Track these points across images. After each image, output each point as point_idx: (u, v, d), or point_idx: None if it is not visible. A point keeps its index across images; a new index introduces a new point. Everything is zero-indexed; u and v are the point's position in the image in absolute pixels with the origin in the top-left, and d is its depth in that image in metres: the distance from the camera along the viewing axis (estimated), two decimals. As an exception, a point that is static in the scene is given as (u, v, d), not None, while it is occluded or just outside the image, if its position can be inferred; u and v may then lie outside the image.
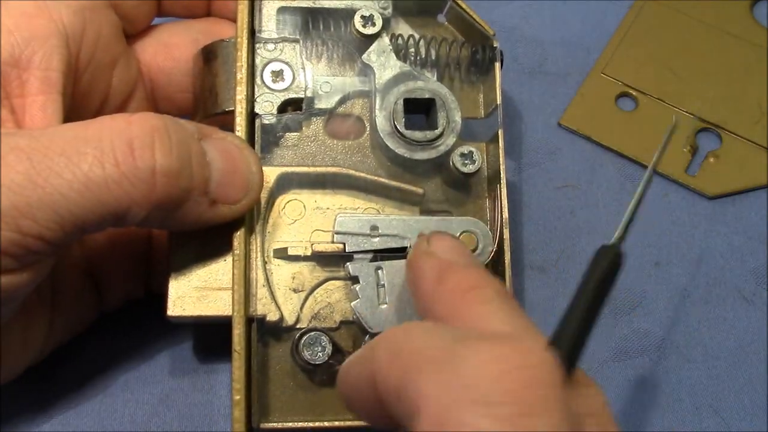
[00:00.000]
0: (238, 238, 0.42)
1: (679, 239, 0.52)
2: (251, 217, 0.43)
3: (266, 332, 0.43)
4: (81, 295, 0.45)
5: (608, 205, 0.53)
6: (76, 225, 0.36)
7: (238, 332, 0.41)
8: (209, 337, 0.48)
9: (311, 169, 0.45)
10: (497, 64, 0.47)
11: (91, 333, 0.47)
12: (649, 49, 0.56)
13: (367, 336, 0.43)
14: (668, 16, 0.57)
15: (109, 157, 0.36)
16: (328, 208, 0.45)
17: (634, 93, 0.55)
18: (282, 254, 0.44)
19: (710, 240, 0.52)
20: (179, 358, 0.48)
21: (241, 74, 0.44)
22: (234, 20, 0.45)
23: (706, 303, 0.50)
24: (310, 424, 0.43)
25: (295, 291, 0.44)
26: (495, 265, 0.46)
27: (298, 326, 0.44)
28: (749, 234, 0.52)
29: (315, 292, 0.44)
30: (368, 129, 0.47)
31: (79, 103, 0.44)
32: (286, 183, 0.45)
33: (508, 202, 0.45)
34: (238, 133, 0.43)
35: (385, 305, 0.43)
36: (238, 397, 0.40)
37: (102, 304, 0.46)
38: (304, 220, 0.45)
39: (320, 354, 0.43)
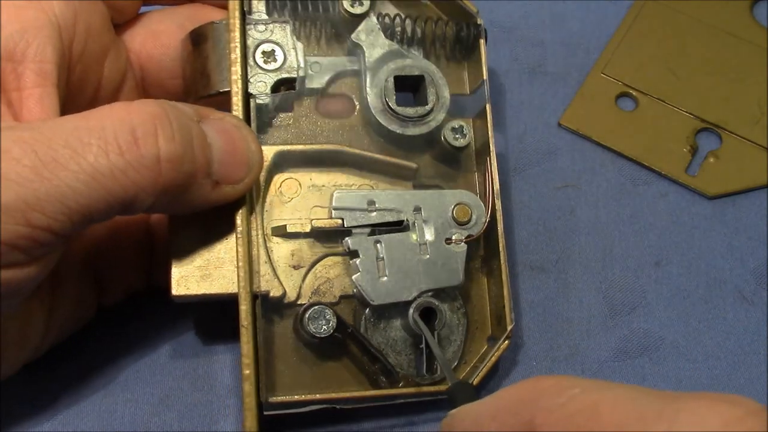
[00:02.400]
0: (241, 215, 0.42)
1: (679, 239, 0.52)
2: (250, 195, 0.43)
3: (269, 309, 0.44)
4: (80, 289, 0.45)
5: (608, 205, 0.53)
6: (84, 215, 0.36)
7: (244, 308, 0.41)
8: (209, 336, 0.48)
9: (307, 147, 0.46)
10: (482, 41, 0.48)
11: (90, 332, 0.47)
12: (649, 49, 0.56)
13: (367, 309, 0.44)
14: (668, 16, 0.57)
15: (114, 146, 0.36)
16: (323, 186, 0.46)
17: (634, 93, 0.55)
18: (281, 232, 0.44)
19: (710, 240, 0.52)
20: (179, 357, 0.48)
21: (236, 54, 0.44)
22: (217, 5, 0.46)
23: (706, 303, 0.50)
24: (316, 396, 0.43)
25: (294, 268, 0.44)
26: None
27: (299, 302, 0.44)
28: (749, 234, 0.52)
29: (314, 268, 0.45)
30: (357, 107, 0.47)
31: (73, 94, 0.44)
32: (282, 162, 0.45)
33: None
34: (235, 113, 0.43)
35: (385, 278, 0.44)
36: (247, 372, 0.41)
37: (102, 298, 0.46)
38: (300, 198, 0.45)
39: (325, 327, 0.43)
